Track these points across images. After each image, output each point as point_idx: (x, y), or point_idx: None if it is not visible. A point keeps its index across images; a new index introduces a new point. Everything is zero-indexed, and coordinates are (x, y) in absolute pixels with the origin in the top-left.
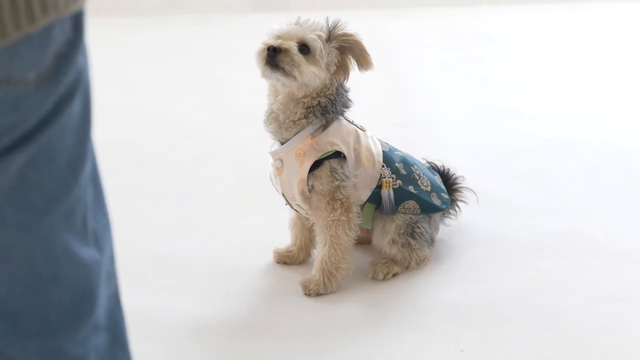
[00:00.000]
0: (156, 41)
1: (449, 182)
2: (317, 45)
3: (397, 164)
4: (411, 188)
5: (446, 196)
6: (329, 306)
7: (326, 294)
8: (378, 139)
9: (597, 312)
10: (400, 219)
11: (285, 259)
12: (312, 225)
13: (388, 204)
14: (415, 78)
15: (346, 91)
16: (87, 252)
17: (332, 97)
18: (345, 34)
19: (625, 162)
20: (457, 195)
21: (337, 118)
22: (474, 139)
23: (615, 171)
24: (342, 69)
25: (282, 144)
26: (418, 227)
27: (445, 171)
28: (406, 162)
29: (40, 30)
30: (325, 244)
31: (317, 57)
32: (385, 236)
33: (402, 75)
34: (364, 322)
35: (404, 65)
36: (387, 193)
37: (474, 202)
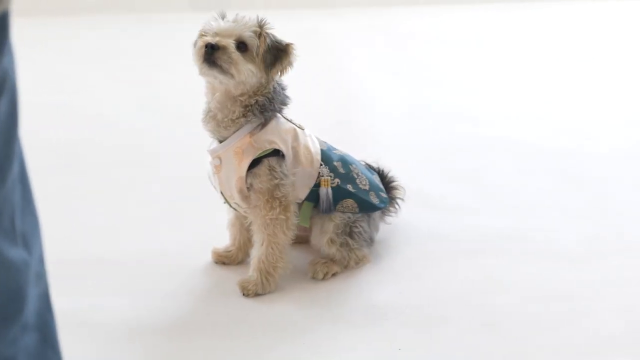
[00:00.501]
0: (94, 41)
1: (385, 180)
2: (254, 43)
3: (335, 163)
4: (349, 187)
5: (385, 195)
6: (267, 306)
7: (264, 293)
8: (317, 138)
9: (532, 311)
10: (338, 219)
11: (224, 259)
12: (250, 225)
13: (325, 202)
14: (353, 78)
15: (283, 89)
16: (15, 253)
17: (269, 96)
18: (275, 39)
19: (561, 162)
20: (396, 193)
21: (276, 116)
22: (411, 139)
23: (551, 172)
24: (277, 67)
25: (220, 142)
26: (356, 227)
27: (382, 171)
28: (344, 161)
29: None
30: (262, 244)
31: (254, 54)
32: (324, 235)
33: (339, 75)
34: (302, 321)
35: (340, 65)
36: (325, 191)
37: (411, 202)
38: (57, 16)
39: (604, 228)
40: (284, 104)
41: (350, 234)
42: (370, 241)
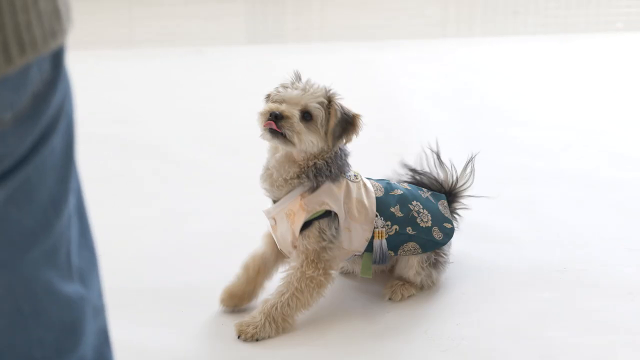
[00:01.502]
0: (151, 72)
1: (454, 191)
2: (319, 114)
3: (392, 209)
4: (409, 230)
5: (450, 225)
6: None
7: (263, 339)
8: (374, 181)
9: (589, 344)
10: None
11: (236, 301)
12: (271, 267)
13: (379, 254)
14: (409, 110)
15: (346, 155)
16: (70, 288)
17: (328, 160)
18: (343, 109)
19: (617, 194)
20: (459, 203)
21: (330, 181)
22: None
23: (608, 203)
24: (344, 138)
25: (274, 202)
26: (441, 257)
27: (449, 180)
28: (404, 201)
29: (17, 71)
30: (284, 294)
31: (318, 125)
32: (410, 270)
33: (394, 108)
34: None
35: (396, 98)
36: (379, 244)
37: (467, 234)
38: (116, 48)
39: None
40: (342, 170)
41: (435, 265)
42: (447, 263)
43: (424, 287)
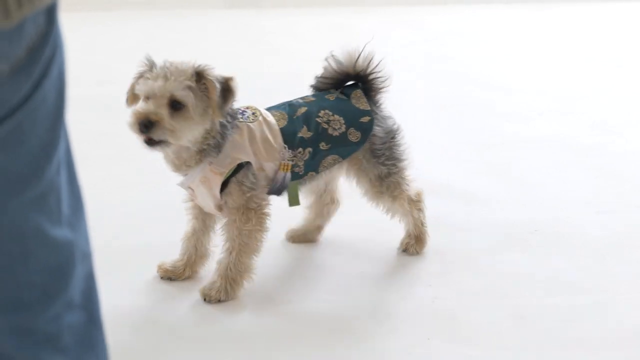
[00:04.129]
0: (132, 35)
1: (364, 73)
2: (190, 100)
3: (299, 133)
4: (322, 146)
5: (368, 118)
6: (227, 315)
7: (227, 300)
8: (274, 110)
9: (558, 304)
10: (370, 173)
11: (170, 274)
12: (207, 242)
13: (277, 184)
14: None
15: (233, 116)
16: (60, 233)
17: (219, 133)
18: (209, 82)
19: (592, 158)
20: (376, 84)
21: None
22: (441, 134)
23: (582, 167)
24: (225, 106)
25: (184, 175)
26: (385, 167)
27: (352, 63)
28: (309, 118)
29: (14, 25)
30: (232, 252)
31: (191, 111)
32: (371, 189)
33: None
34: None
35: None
36: (282, 176)
37: (440, 195)
38: (95, 10)
39: (634, 222)
40: (235, 117)
41: (389, 175)
42: (393, 134)
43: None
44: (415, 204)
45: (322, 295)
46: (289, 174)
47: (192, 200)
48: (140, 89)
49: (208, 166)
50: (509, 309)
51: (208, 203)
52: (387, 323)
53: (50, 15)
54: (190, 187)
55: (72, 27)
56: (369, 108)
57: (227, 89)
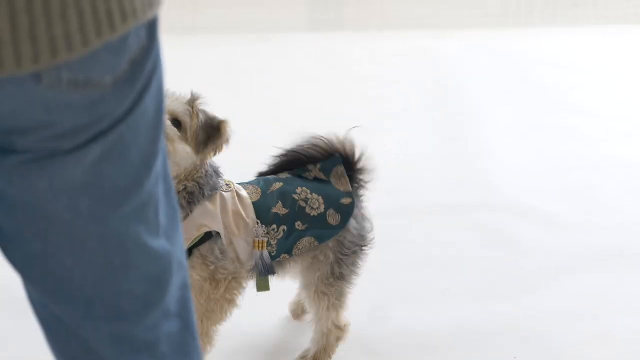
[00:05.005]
0: (214, 59)
1: (353, 163)
2: (187, 120)
3: (274, 209)
4: (298, 225)
5: (349, 200)
6: None
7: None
8: (247, 184)
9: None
10: (317, 269)
11: None
12: None
13: (261, 265)
14: (465, 96)
15: (216, 171)
16: (158, 244)
17: (201, 181)
18: (208, 116)
19: None
20: (362, 178)
21: (203, 201)
22: (524, 156)
23: None
24: (210, 147)
25: None
26: (340, 266)
27: (348, 153)
28: (285, 195)
29: (118, 38)
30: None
31: (188, 134)
32: (311, 289)
33: (454, 95)
34: None
35: (455, 85)
36: (258, 255)
37: (522, 218)
38: (180, 34)
39: None
40: (215, 188)
41: (340, 276)
42: (362, 246)
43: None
44: (339, 331)
45: (404, 312)
46: (266, 252)
47: None
48: None
49: None
50: (595, 330)
51: None
52: (471, 341)
53: (151, 30)
54: None
55: None
56: (350, 190)
57: (216, 129)
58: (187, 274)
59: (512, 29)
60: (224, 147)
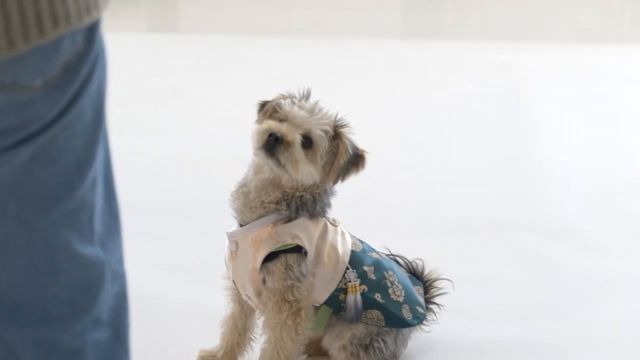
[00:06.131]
0: (289, 62)
1: (425, 287)
2: (322, 144)
3: (366, 267)
4: (378, 296)
5: (422, 310)
6: None
7: None
8: (352, 237)
9: None
10: (360, 329)
11: None
12: (245, 327)
13: (353, 310)
14: (538, 111)
15: (332, 194)
16: (90, 251)
17: (316, 196)
18: (347, 143)
19: None
20: (432, 305)
21: (307, 217)
22: (583, 176)
23: None
24: (346, 177)
25: (241, 225)
26: (378, 342)
27: (422, 273)
28: (379, 266)
29: (49, 42)
30: (270, 343)
31: (318, 156)
32: (338, 341)
33: (525, 108)
34: None
35: (528, 98)
36: (353, 299)
37: (566, 242)
38: (256, 35)
39: None
40: (324, 210)
41: (366, 348)
42: (392, 358)
43: None
44: None
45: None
46: (359, 297)
47: (228, 277)
48: (282, 108)
49: (270, 226)
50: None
51: (245, 267)
52: None
53: (90, 34)
54: (236, 243)
55: (231, 50)
56: (424, 306)
57: (357, 161)
58: (125, 284)
59: (598, 44)
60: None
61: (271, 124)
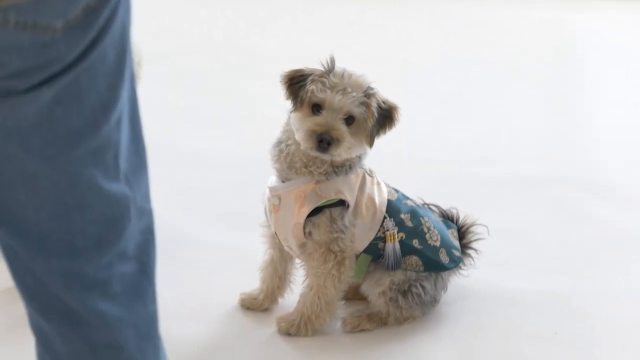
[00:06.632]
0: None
1: (461, 233)
2: (362, 116)
3: (402, 215)
4: (415, 242)
5: (458, 253)
6: (296, 350)
7: (297, 335)
8: (387, 186)
9: None
10: (398, 276)
11: (249, 305)
12: (285, 272)
13: (392, 258)
14: (585, 70)
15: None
16: (115, 187)
17: (361, 156)
18: (384, 104)
19: None
20: (469, 250)
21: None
22: (627, 135)
23: None
24: (381, 134)
25: (282, 181)
26: (416, 287)
27: (458, 220)
28: (415, 213)
29: None
30: (311, 289)
31: (361, 129)
32: (377, 288)
33: (572, 66)
34: None
35: (575, 56)
36: (391, 247)
37: (604, 197)
38: None
39: None
40: (361, 162)
41: (405, 293)
42: (433, 302)
43: (389, 319)
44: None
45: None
46: (397, 245)
47: (268, 226)
48: (317, 96)
49: (313, 183)
50: None
51: (286, 222)
52: (515, 310)
53: None
54: (278, 197)
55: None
56: (460, 249)
57: (388, 117)
58: (152, 220)
59: None
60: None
61: (316, 125)
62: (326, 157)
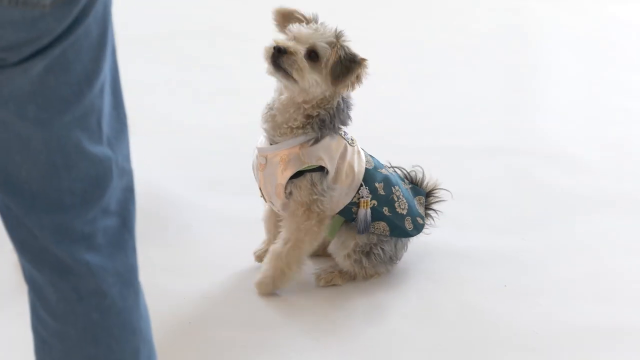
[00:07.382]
0: None
1: (427, 195)
2: (326, 54)
3: (377, 184)
4: (385, 210)
5: (421, 221)
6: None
7: (274, 290)
8: (365, 154)
9: None
10: (362, 239)
11: (264, 256)
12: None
13: (363, 223)
14: (543, 53)
15: (348, 107)
16: (99, 149)
17: (331, 112)
18: (349, 53)
19: None
20: (430, 211)
21: (331, 135)
22: (578, 109)
23: None
24: (345, 81)
25: (271, 144)
26: (377, 249)
27: (422, 182)
28: (388, 182)
29: None
30: (286, 243)
31: (322, 66)
32: (342, 250)
33: (531, 49)
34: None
35: (535, 40)
36: (364, 213)
37: (555, 163)
38: None
39: None
40: (344, 124)
41: (368, 254)
42: (391, 260)
43: (356, 276)
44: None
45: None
46: (369, 212)
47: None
48: (292, 29)
49: (297, 147)
50: (594, 266)
51: (271, 181)
52: (468, 267)
53: None
54: (264, 157)
55: None
56: (424, 215)
57: (355, 63)
58: (132, 179)
59: None
60: (358, 84)
61: (277, 39)
62: (280, 74)
